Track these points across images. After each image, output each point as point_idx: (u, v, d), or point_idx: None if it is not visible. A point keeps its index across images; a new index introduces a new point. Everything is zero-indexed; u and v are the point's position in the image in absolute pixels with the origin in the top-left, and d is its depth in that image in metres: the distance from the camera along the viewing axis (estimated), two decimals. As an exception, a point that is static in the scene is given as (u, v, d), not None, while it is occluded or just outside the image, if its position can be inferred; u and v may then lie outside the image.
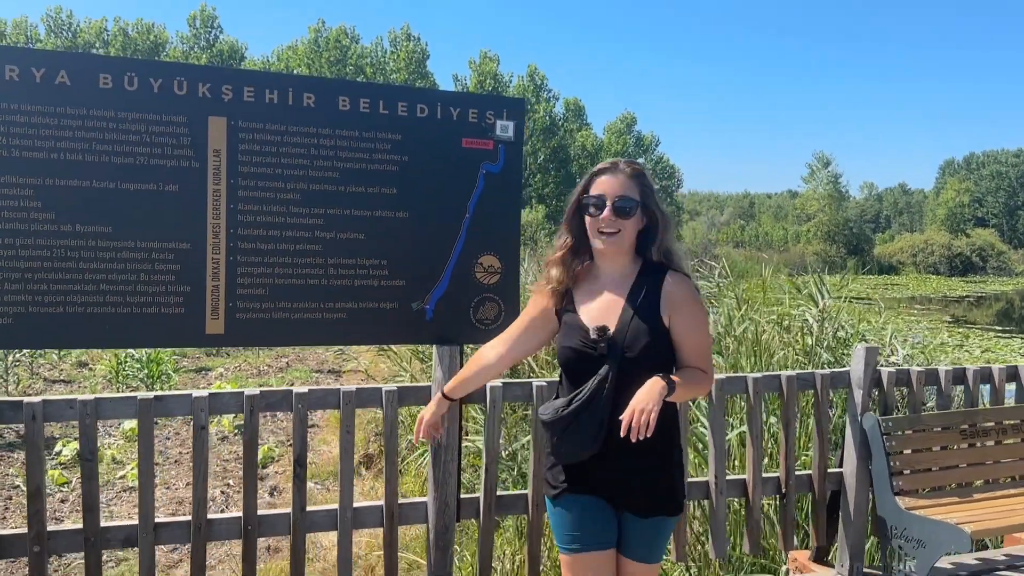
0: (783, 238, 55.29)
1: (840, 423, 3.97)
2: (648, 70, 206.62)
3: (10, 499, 5.02)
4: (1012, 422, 3.38)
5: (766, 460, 4.03)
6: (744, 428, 3.57)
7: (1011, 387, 3.65)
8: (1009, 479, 3.32)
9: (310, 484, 5.53)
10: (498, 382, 2.86)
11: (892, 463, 3.10)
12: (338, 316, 2.60)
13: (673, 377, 1.95)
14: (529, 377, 5.39)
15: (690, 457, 4.14)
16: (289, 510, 2.64)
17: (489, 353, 2.24)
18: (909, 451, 3.19)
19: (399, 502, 2.76)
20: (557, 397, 2.09)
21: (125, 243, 2.37)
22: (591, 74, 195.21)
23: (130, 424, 6.17)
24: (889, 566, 3.08)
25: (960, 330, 17.39)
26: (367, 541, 4.26)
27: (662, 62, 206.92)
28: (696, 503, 3.69)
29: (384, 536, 2.74)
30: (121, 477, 5.41)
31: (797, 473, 3.25)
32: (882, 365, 3.99)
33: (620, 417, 1.86)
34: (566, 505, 2.06)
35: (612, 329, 1.99)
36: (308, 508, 2.67)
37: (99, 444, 5.99)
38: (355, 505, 2.71)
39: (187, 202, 2.42)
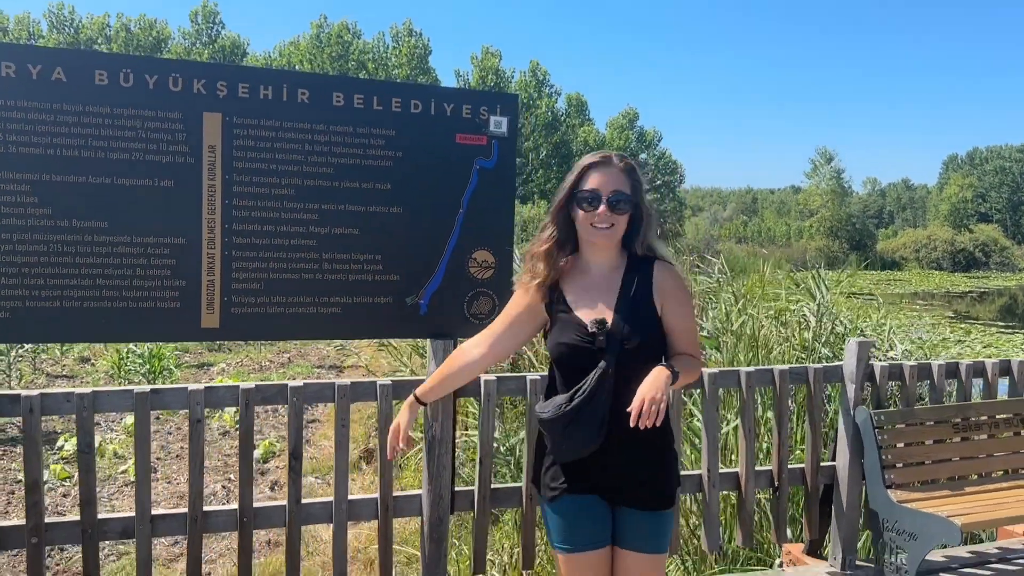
0: (786, 234, 55.21)
1: (836, 417, 3.99)
2: (650, 66, 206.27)
3: (13, 493, 5.06)
4: (1005, 416, 3.40)
5: (762, 454, 4.06)
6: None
7: (1004, 381, 3.67)
8: (1002, 472, 3.34)
9: (311, 478, 5.58)
10: (492, 376, 2.88)
11: (884, 456, 3.12)
12: (333, 310, 2.62)
13: (674, 365, 1.98)
14: (529, 371, 5.42)
15: (687, 452, 4.16)
16: (285, 502, 2.66)
17: (472, 352, 2.18)
18: (901, 445, 3.21)
19: (394, 495, 2.78)
20: (550, 394, 2.07)
21: (121, 238, 2.39)
22: (593, 69, 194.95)
23: (132, 420, 6.20)
24: (881, 559, 3.10)
25: (962, 326, 17.38)
26: (367, 535, 4.29)
27: (665, 57, 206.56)
28: (691, 497, 3.72)
29: (379, 528, 2.77)
30: (123, 472, 5.46)
31: (790, 467, 3.27)
32: (878, 359, 4.00)
33: (628, 409, 1.86)
34: (564, 506, 2.05)
35: (609, 322, 1.99)
36: (304, 500, 2.70)
37: (101, 439, 6.07)
38: (350, 498, 2.74)
39: (182, 197, 2.44)
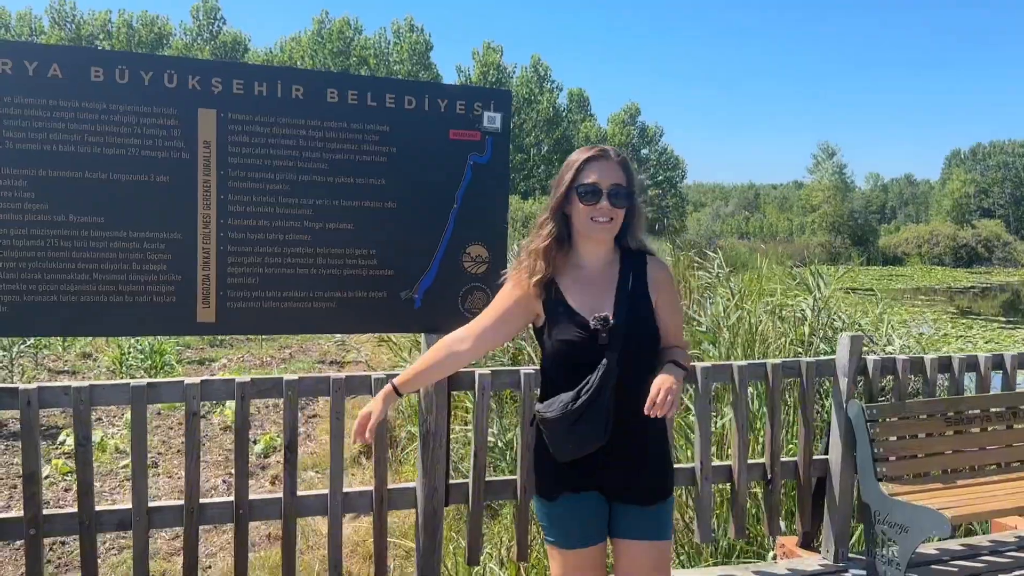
0: (788, 229, 55.17)
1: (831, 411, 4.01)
2: (652, 61, 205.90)
3: (15, 488, 5.10)
4: (998, 409, 3.42)
5: (759, 447, 4.08)
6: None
7: (997, 376, 3.69)
8: (994, 466, 3.36)
9: (311, 473, 5.61)
10: (486, 369, 2.91)
11: (876, 450, 3.14)
12: (328, 305, 2.65)
13: (679, 360, 2.01)
14: (530, 365, 5.45)
15: (681, 445, 4.19)
16: (280, 495, 2.69)
17: (459, 346, 2.10)
18: (894, 438, 3.23)
19: (389, 487, 2.81)
20: (549, 393, 2.03)
21: (117, 233, 2.42)
22: (595, 65, 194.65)
23: (132, 414, 6.23)
24: (873, 551, 3.12)
25: (964, 321, 17.36)
26: (367, 528, 4.32)
27: (667, 53, 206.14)
28: (685, 490, 3.75)
29: (374, 520, 2.80)
30: (124, 467, 5.49)
31: (783, 460, 3.29)
32: (876, 354, 4.02)
33: (645, 407, 1.87)
34: (562, 505, 2.03)
35: (611, 318, 1.98)
36: (299, 493, 2.73)
37: (103, 435, 6.10)
38: (345, 490, 2.77)
39: (178, 193, 2.47)
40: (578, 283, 2.05)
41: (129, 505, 2.58)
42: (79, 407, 2.46)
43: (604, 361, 1.92)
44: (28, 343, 8.63)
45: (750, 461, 3.25)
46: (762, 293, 6.86)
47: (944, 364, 3.50)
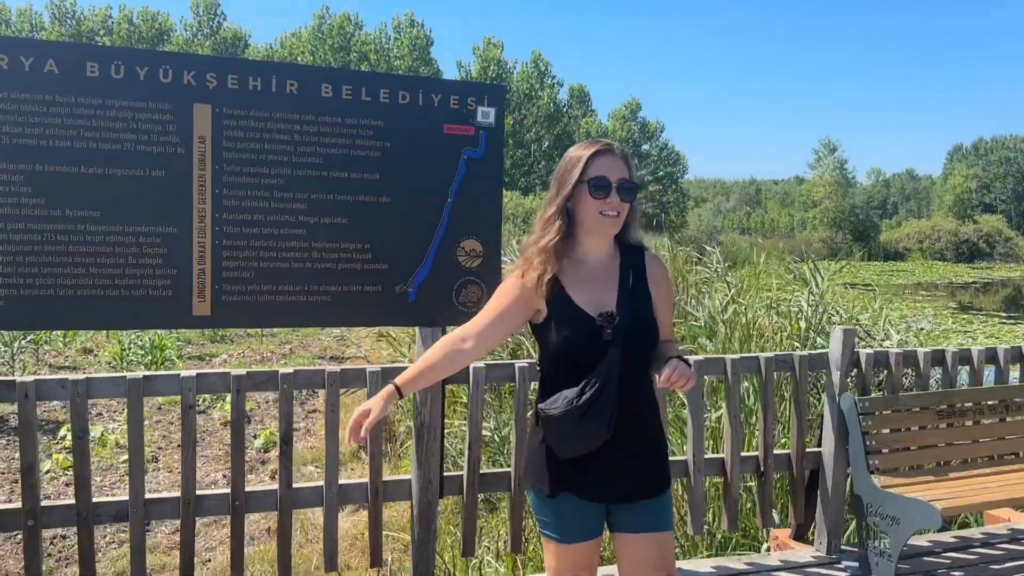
0: (789, 225, 55.13)
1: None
2: (654, 56, 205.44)
3: (16, 482, 5.14)
4: (991, 402, 3.44)
5: (755, 440, 4.10)
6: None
7: (990, 369, 3.70)
8: (986, 458, 3.38)
9: (311, 467, 5.64)
10: (480, 363, 2.93)
11: (869, 442, 3.16)
12: (322, 299, 2.67)
13: (685, 357, 2.00)
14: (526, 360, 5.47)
15: (674, 439, 4.21)
16: (276, 486, 2.72)
17: (462, 345, 2.04)
18: (887, 431, 3.25)
19: (384, 479, 2.84)
20: (549, 390, 2.00)
21: (113, 227, 2.43)
22: (596, 61, 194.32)
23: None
24: (865, 543, 3.14)
25: (964, 316, 17.37)
26: (366, 523, 4.34)
27: (668, 48, 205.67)
28: (678, 482, 3.77)
29: (369, 512, 2.82)
30: (124, 461, 5.53)
31: (776, 453, 3.31)
32: (872, 348, 4.04)
33: (661, 380, 1.87)
34: (563, 502, 2.01)
35: (615, 314, 1.96)
36: (295, 485, 2.75)
37: (103, 430, 6.13)
38: (341, 482, 2.79)
39: (173, 187, 2.49)
40: (581, 279, 2.02)
41: (127, 497, 2.60)
42: (76, 400, 2.48)
43: (609, 355, 1.91)
44: (28, 338, 8.67)
45: (744, 454, 3.28)
46: (760, 288, 6.87)
47: (937, 358, 3.52)
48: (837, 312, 6.72)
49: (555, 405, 1.93)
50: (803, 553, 3.35)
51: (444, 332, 2.85)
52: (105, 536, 4.37)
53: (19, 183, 2.35)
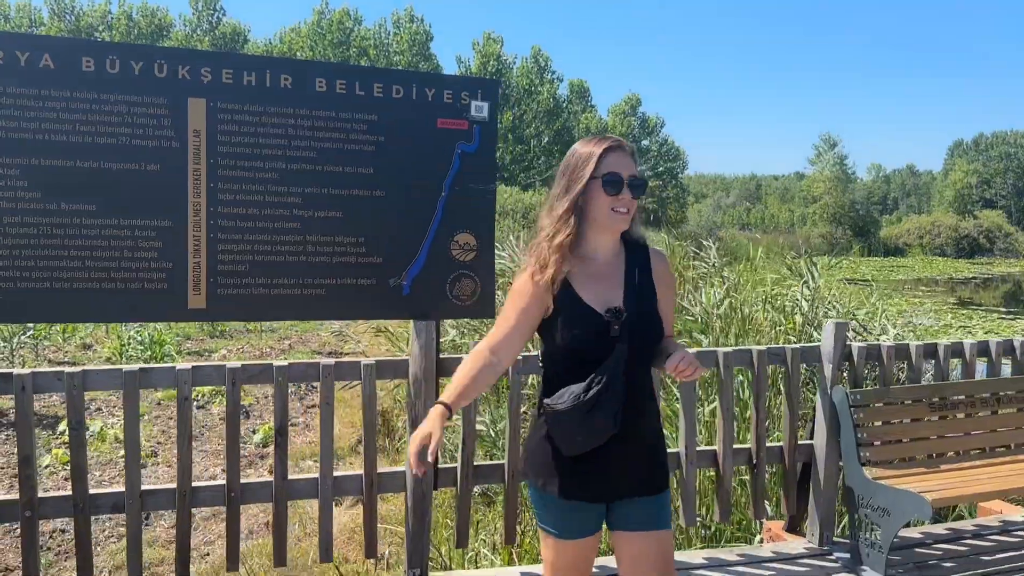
0: (789, 220, 55.10)
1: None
2: (653, 52, 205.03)
3: (15, 476, 5.16)
4: (982, 395, 3.46)
5: (750, 434, 4.12)
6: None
7: (982, 362, 3.72)
8: (978, 450, 3.40)
9: (309, 462, 5.67)
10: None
11: (860, 435, 3.18)
12: (317, 292, 2.69)
13: (686, 349, 2.02)
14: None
15: (668, 432, 4.24)
16: (271, 478, 2.74)
17: (492, 357, 1.99)
18: (878, 423, 3.27)
19: (379, 471, 2.86)
20: (553, 387, 1.99)
21: (109, 221, 2.46)
22: (595, 56, 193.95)
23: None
24: (857, 535, 3.17)
25: (964, 311, 17.38)
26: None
27: (668, 44, 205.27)
28: (674, 476, 3.79)
29: (364, 504, 2.85)
30: (123, 456, 5.54)
31: (769, 445, 3.34)
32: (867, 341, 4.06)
33: (668, 366, 1.89)
34: (562, 498, 2.00)
35: (622, 310, 1.97)
36: (290, 477, 2.78)
37: (103, 424, 6.15)
38: (335, 474, 2.82)
39: (168, 181, 2.51)
40: (587, 275, 2.02)
41: (123, 488, 2.63)
42: (72, 392, 2.51)
43: (616, 350, 1.92)
44: (28, 333, 8.69)
45: (736, 446, 3.30)
46: (756, 283, 6.89)
47: (930, 351, 3.54)
48: (834, 307, 6.75)
49: (561, 400, 1.92)
50: (795, 544, 3.37)
51: (438, 325, 2.88)
52: (104, 530, 4.40)
53: (15, 177, 2.37)
